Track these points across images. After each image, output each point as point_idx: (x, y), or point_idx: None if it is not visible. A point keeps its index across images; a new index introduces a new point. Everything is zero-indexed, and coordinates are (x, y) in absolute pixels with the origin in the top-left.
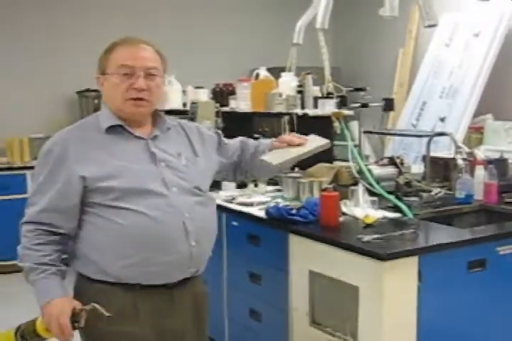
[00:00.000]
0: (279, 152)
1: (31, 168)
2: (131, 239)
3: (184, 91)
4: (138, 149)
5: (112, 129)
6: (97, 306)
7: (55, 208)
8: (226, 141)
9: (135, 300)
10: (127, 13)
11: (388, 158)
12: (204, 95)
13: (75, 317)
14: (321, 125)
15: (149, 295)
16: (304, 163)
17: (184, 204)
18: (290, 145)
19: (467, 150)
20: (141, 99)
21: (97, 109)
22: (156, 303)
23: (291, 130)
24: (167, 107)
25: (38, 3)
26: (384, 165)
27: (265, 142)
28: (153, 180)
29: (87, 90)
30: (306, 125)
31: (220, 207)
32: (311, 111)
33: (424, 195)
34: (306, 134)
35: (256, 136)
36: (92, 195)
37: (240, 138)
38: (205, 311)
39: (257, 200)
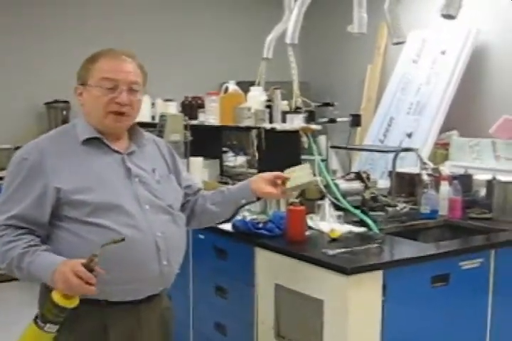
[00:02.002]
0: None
1: None
2: (103, 257)
3: (153, 104)
4: (114, 163)
5: (88, 141)
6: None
7: (27, 218)
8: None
9: (103, 319)
10: (95, 28)
11: (355, 172)
12: (173, 108)
13: (88, 268)
14: (289, 139)
15: (117, 313)
16: None
17: (157, 222)
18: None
19: (432, 166)
20: (122, 113)
21: (65, 120)
22: (124, 322)
23: (260, 144)
24: (136, 120)
25: (5, 16)
26: (350, 179)
27: (233, 186)
28: (126, 196)
29: (56, 101)
30: (274, 139)
31: None
32: (279, 126)
33: (390, 209)
34: (275, 148)
35: (224, 149)
36: (65, 208)
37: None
38: (171, 325)
39: None
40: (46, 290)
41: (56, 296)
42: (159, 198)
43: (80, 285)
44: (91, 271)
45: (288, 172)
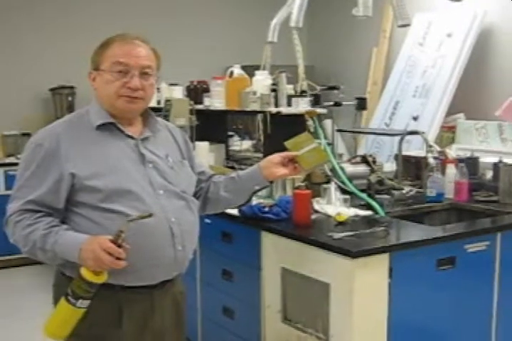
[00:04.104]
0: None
1: (4, 165)
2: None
3: (158, 89)
4: (127, 148)
5: (102, 126)
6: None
7: (44, 203)
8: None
9: (118, 303)
10: (100, 13)
11: (361, 156)
12: (178, 92)
13: (116, 243)
14: (294, 123)
15: (131, 298)
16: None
17: (171, 207)
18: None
19: (438, 149)
20: (135, 97)
21: (70, 105)
22: (138, 306)
23: (265, 128)
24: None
25: (8, 2)
26: (356, 163)
27: (243, 172)
28: (140, 182)
29: (61, 87)
30: (280, 123)
31: None
32: (284, 110)
33: (396, 193)
34: (280, 132)
35: (230, 133)
36: (80, 194)
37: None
38: (183, 309)
39: None
40: (61, 275)
41: (85, 273)
42: (173, 184)
43: (111, 261)
44: (119, 246)
45: (291, 145)
